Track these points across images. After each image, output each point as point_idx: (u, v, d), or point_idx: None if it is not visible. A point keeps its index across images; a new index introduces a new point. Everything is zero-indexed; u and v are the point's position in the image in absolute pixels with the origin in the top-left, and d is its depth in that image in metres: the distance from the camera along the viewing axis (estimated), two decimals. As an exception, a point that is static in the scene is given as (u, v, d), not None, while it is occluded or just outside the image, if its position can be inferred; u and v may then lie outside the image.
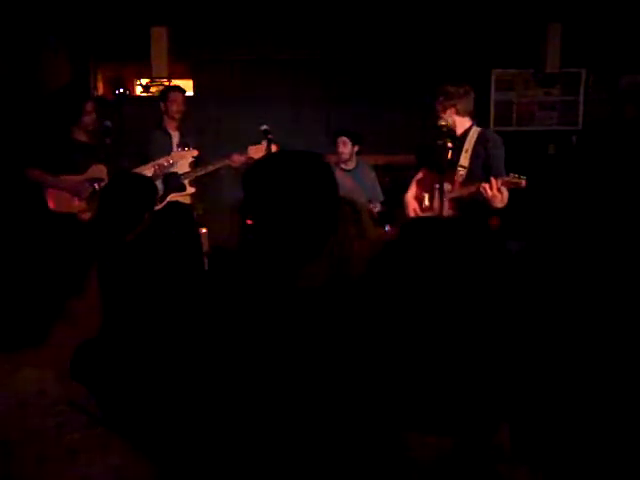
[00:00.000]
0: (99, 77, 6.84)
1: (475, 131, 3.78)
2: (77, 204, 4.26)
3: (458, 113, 3.75)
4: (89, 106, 4.38)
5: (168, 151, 4.71)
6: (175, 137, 4.88)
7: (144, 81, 7.76)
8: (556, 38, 5.96)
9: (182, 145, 4.79)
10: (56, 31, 5.95)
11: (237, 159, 4.56)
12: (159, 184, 4.54)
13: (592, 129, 6.46)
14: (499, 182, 3.38)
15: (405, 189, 4.20)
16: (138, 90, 7.92)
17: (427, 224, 1.47)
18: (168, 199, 4.70)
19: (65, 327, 1.05)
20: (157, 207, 4.62)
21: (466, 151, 3.75)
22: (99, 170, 4.32)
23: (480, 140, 3.75)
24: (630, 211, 4.76)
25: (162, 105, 4.86)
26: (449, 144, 3.52)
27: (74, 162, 4.28)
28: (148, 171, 4.44)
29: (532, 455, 1.16)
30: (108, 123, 4.19)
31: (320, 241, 1.31)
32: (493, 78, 6.51)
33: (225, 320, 1.30)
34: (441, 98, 3.77)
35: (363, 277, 1.34)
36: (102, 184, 4.12)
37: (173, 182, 4.67)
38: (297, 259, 1.29)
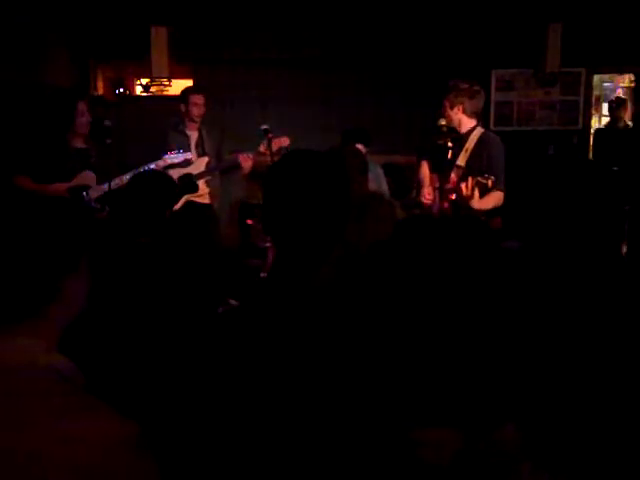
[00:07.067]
0: (99, 77, 6.84)
1: (478, 132, 3.70)
2: None
3: (465, 112, 3.65)
4: (81, 106, 4.00)
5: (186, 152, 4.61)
6: (193, 138, 4.76)
7: (144, 81, 7.79)
8: (556, 38, 5.96)
9: (199, 146, 4.71)
10: (56, 31, 5.95)
11: (244, 158, 4.47)
12: None
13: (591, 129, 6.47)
14: (473, 182, 3.36)
15: (404, 189, 4.19)
16: (138, 90, 7.94)
17: (423, 223, 1.47)
18: (184, 200, 4.59)
19: (58, 305, 1.07)
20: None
21: (466, 151, 3.70)
22: (86, 177, 4.03)
23: (481, 141, 3.67)
24: (631, 210, 4.76)
25: (182, 107, 4.72)
26: (449, 144, 3.50)
27: (68, 170, 3.99)
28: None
29: (538, 454, 1.16)
30: (108, 123, 4.11)
31: (332, 241, 1.31)
32: (493, 78, 6.51)
33: (237, 319, 1.30)
34: (451, 95, 3.66)
35: (363, 277, 1.34)
36: (89, 191, 3.93)
37: (185, 183, 4.58)
38: (313, 259, 1.29)
